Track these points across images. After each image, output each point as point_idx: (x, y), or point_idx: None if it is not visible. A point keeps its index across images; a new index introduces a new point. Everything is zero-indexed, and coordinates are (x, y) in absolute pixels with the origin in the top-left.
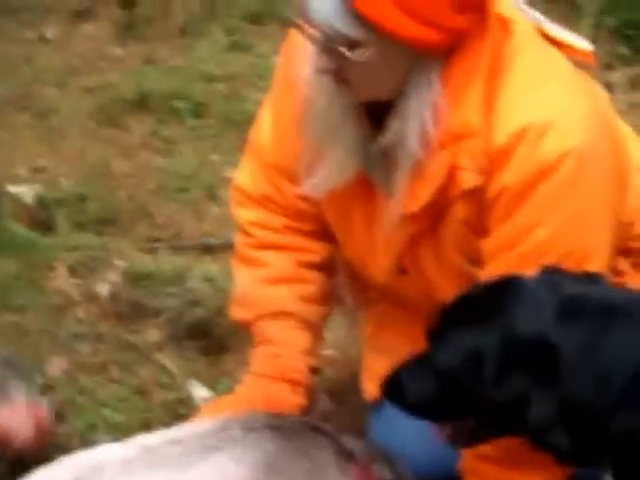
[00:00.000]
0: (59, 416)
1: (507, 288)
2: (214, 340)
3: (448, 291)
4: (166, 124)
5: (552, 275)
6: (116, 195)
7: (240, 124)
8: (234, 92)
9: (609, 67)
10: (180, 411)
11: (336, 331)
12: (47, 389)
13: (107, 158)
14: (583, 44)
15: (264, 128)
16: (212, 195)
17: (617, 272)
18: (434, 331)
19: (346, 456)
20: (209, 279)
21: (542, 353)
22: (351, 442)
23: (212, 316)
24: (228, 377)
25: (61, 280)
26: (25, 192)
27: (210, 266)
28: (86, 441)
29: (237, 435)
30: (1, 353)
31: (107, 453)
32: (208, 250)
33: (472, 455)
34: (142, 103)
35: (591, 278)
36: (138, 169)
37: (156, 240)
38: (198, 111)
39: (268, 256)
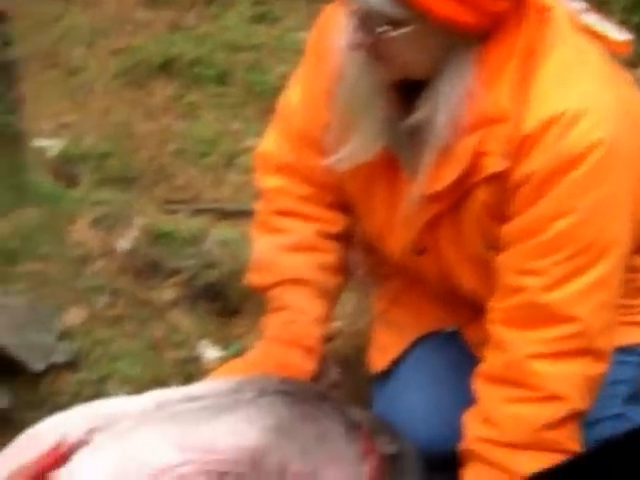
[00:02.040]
0: (74, 365)
1: None
2: (227, 303)
3: (464, 274)
4: (189, 89)
5: None
6: (138, 155)
7: (261, 95)
8: (257, 63)
9: (633, 64)
10: (189, 369)
11: (344, 304)
12: (65, 336)
13: (130, 119)
14: (620, 34)
15: (293, 99)
16: (231, 162)
17: (633, 268)
18: None
19: (353, 427)
20: (225, 243)
21: None
22: (358, 413)
23: (226, 279)
24: (239, 340)
25: (82, 233)
26: (50, 146)
27: (226, 231)
28: (99, 391)
29: (250, 397)
30: (24, 300)
31: (123, 405)
32: (225, 215)
33: (475, 437)
34: (167, 68)
35: None
36: (160, 131)
37: (174, 202)
38: (221, 79)
39: (288, 223)
